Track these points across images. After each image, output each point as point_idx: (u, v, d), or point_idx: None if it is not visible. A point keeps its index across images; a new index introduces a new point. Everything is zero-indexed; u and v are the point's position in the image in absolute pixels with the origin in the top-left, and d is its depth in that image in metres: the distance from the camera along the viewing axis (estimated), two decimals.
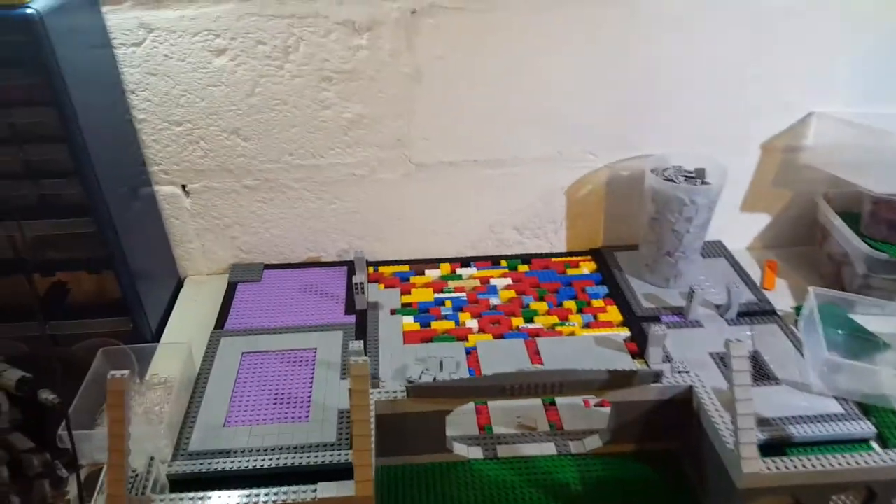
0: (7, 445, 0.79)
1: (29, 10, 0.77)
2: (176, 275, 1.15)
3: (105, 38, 0.94)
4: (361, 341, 0.91)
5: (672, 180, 1.04)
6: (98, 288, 0.99)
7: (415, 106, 1.03)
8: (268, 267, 1.15)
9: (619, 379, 0.77)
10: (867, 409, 0.87)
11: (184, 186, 1.08)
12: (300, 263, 1.16)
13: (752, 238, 1.22)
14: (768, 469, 0.67)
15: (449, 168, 1.09)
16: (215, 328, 1.01)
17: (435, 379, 0.91)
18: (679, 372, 0.87)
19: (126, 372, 0.65)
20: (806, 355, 0.95)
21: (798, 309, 1.07)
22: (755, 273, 1.15)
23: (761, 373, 0.94)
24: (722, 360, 0.95)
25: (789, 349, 0.98)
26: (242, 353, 0.97)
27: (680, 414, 0.80)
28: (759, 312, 1.04)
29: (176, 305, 1.09)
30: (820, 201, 1.13)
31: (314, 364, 0.95)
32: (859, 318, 0.99)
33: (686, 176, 1.06)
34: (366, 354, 0.91)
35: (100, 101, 0.92)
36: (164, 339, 1.01)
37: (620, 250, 1.18)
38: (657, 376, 0.78)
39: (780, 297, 1.10)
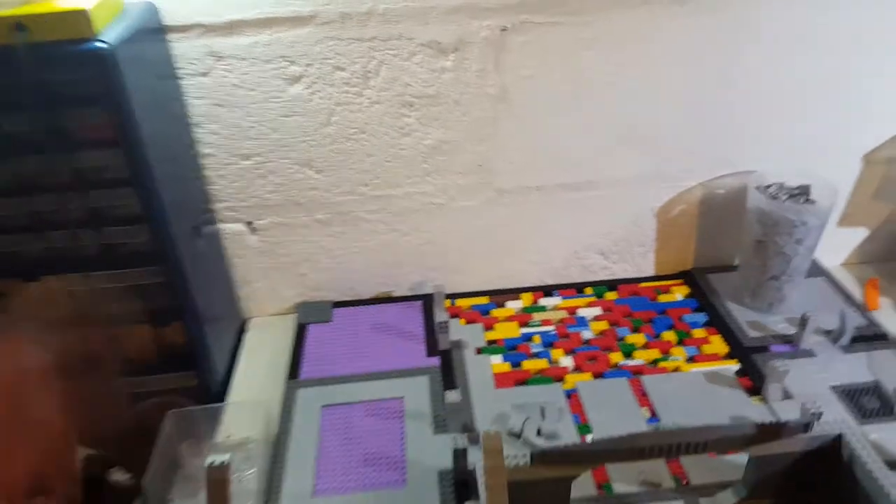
0: None
1: (101, 44, 0.70)
2: (238, 317, 1.08)
3: (171, 68, 0.87)
4: (457, 390, 0.84)
5: (776, 198, 0.97)
6: (157, 339, 0.90)
7: (499, 129, 0.95)
8: (337, 304, 1.08)
9: (766, 432, 0.70)
10: None
11: (250, 223, 1.00)
12: (371, 299, 1.09)
13: (847, 254, 1.15)
14: None
15: (533, 193, 1.02)
16: (289, 378, 0.94)
17: (539, 430, 0.84)
18: (813, 413, 0.80)
19: (227, 457, 0.58)
20: None
21: None
22: (856, 292, 1.08)
23: (888, 406, 0.86)
24: (846, 394, 0.88)
25: None
26: (322, 406, 0.89)
27: (824, 463, 0.72)
28: (871, 337, 0.97)
29: (242, 352, 1.02)
30: None
31: (402, 416, 0.88)
32: None
33: (790, 193, 0.98)
34: (458, 399, 0.83)
35: (167, 138, 0.85)
36: (233, 392, 0.94)
37: (713, 272, 1.11)
38: (807, 427, 0.71)
39: (888, 318, 1.02)
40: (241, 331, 1.06)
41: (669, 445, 0.68)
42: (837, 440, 0.71)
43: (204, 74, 0.88)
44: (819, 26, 0.93)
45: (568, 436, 0.84)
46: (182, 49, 0.86)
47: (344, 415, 0.88)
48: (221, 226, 0.99)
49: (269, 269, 1.04)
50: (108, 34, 0.71)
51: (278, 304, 1.08)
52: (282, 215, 1.00)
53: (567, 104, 0.94)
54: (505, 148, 0.97)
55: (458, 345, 0.98)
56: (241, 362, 1.00)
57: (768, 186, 0.99)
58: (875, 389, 0.89)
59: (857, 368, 0.92)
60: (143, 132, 0.75)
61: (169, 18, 0.84)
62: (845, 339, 0.96)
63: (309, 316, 1.05)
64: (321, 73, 0.89)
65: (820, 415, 0.80)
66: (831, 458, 0.72)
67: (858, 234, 1.13)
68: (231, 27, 0.85)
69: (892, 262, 1.15)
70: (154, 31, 0.83)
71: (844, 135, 1.03)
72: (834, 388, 0.89)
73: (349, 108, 0.92)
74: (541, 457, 0.69)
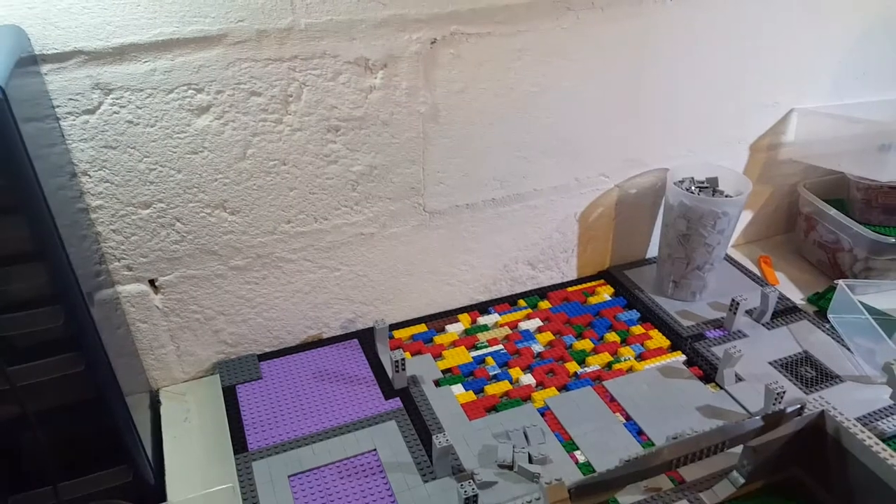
0: None
1: None
2: (147, 390, 0.91)
3: (47, 107, 0.70)
4: (444, 433, 0.77)
5: (691, 192, 1.01)
6: (71, 434, 0.73)
7: (431, 148, 0.90)
8: (261, 357, 0.95)
9: (769, 422, 0.71)
10: None
11: (153, 281, 0.85)
12: (300, 346, 0.97)
13: (735, 236, 1.24)
14: None
15: (465, 211, 0.97)
16: (237, 452, 0.81)
17: (530, 457, 0.80)
18: (778, 393, 0.84)
19: None
20: (854, 349, 0.96)
21: (812, 299, 1.09)
22: (752, 270, 1.16)
23: (822, 373, 0.93)
24: (785, 367, 0.94)
25: (831, 343, 0.98)
26: (288, 476, 0.78)
27: (810, 440, 0.76)
28: (783, 311, 1.05)
29: (165, 431, 0.86)
30: (803, 192, 1.17)
31: (382, 470, 0.79)
32: (864, 300, 1.02)
33: (700, 187, 1.03)
34: (447, 442, 0.77)
35: (61, 195, 0.69)
36: (172, 480, 0.79)
37: (629, 268, 1.14)
38: (802, 409, 0.73)
39: (790, 291, 1.11)
40: (154, 406, 0.90)
41: (694, 453, 0.68)
42: (821, 416, 0.75)
43: (89, 112, 0.73)
44: (709, 31, 0.97)
45: (556, 457, 0.80)
46: (60, 83, 0.70)
47: (316, 481, 0.77)
48: (120, 288, 0.84)
49: (179, 329, 0.90)
50: None
51: (191, 367, 0.93)
52: (191, 267, 0.86)
53: (495, 118, 0.91)
54: (436, 168, 0.92)
55: (414, 380, 0.91)
56: (169, 443, 0.85)
57: (682, 181, 1.04)
58: (807, 359, 0.95)
59: (784, 342, 0.99)
60: (47, 193, 0.60)
61: (40, 45, 0.68)
62: (767, 317, 1.02)
63: (234, 376, 0.92)
64: (234, 100, 0.77)
65: (784, 392, 0.84)
66: (817, 433, 0.76)
67: (745, 217, 1.22)
68: (121, 53, 0.71)
69: (771, 238, 1.26)
70: (28, 63, 0.67)
71: (735, 128, 1.10)
72: (772, 363, 0.95)
73: (267, 139, 0.81)
74: (580, 489, 0.65)
